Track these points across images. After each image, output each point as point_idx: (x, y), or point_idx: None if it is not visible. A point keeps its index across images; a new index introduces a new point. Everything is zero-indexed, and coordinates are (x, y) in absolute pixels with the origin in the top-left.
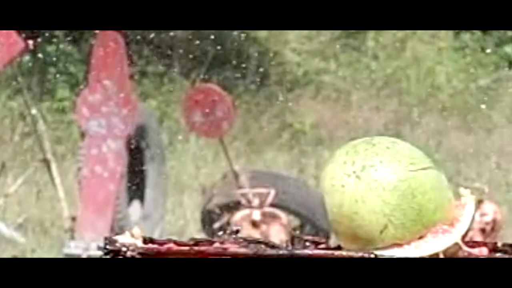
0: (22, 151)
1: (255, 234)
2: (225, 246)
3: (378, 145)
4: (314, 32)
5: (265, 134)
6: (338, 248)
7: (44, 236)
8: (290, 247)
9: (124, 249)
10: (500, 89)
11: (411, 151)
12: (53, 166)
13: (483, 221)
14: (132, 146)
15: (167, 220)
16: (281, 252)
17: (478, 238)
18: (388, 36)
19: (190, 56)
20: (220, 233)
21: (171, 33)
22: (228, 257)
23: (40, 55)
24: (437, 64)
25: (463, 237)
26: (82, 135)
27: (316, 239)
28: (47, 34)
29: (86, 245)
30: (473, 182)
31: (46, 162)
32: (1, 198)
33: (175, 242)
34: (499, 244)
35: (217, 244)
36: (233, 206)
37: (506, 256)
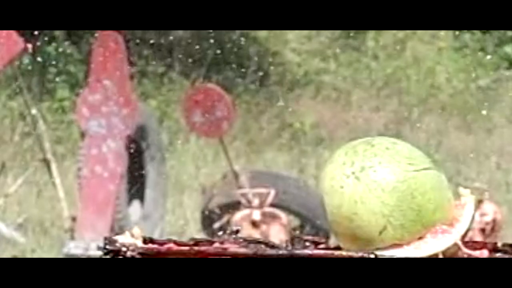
0: (22, 151)
1: (255, 234)
2: (225, 246)
3: (378, 146)
4: (314, 32)
5: (265, 134)
6: (338, 248)
7: (44, 236)
8: (290, 247)
9: (124, 249)
10: (500, 89)
11: (411, 152)
12: (53, 166)
13: (483, 221)
14: (132, 146)
15: (167, 220)
16: (281, 252)
17: (478, 238)
18: (388, 36)
19: (190, 56)
20: (220, 233)
21: (171, 33)
22: (228, 257)
23: (40, 55)
24: (437, 64)
25: (463, 237)
26: (82, 135)
27: (316, 239)
28: (47, 34)
29: (86, 245)
30: (473, 182)
31: (46, 162)
32: (1, 198)
33: (175, 242)
34: (499, 244)
35: (217, 244)
36: (233, 206)
37: (506, 256)
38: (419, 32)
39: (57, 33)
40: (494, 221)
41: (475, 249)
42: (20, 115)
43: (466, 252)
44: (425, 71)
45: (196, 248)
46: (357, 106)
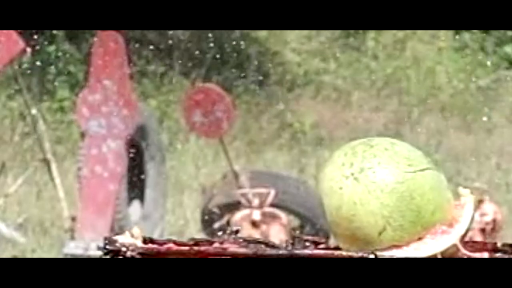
0: (22, 151)
1: (255, 234)
2: (225, 246)
3: (377, 146)
4: (314, 32)
5: (265, 134)
6: (338, 248)
7: (44, 236)
8: (290, 247)
9: (124, 249)
10: (500, 89)
11: (410, 152)
12: (53, 166)
13: (483, 221)
14: (132, 146)
15: (167, 220)
16: (281, 252)
17: (478, 238)
18: (388, 36)
19: (190, 56)
20: (220, 233)
21: (171, 33)
22: (228, 257)
23: (40, 55)
24: (437, 64)
25: (462, 237)
26: (82, 135)
27: (316, 239)
28: (47, 34)
29: (86, 245)
30: (473, 182)
31: (46, 162)
32: (1, 198)
33: (175, 242)
34: (499, 244)
35: (217, 244)
36: (233, 206)
37: (506, 256)
38: (419, 32)
39: (57, 33)
40: (494, 221)
41: (475, 249)
42: (20, 115)
43: (465, 253)
44: (425, 71)
45: (196, 248)
46: (357, 106)
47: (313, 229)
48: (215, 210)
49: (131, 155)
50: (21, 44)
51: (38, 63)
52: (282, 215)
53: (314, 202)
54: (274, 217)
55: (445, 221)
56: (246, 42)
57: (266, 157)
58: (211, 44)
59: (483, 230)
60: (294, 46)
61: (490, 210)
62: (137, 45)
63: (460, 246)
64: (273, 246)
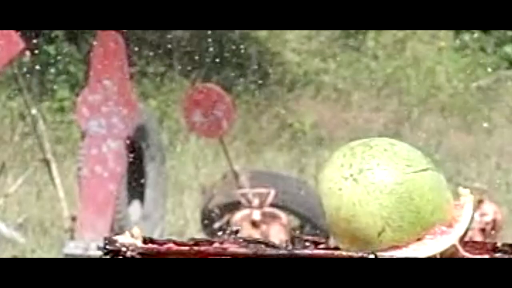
0: (22, 151)
1: (255, 234)
2: (225, 246)
3: (376, 147)
4: (314, 32)
5: (265, 134)
6: (338, 248)
7: (44, 236)
8: (290, 247)
9: (124, 249)
10: (500, 89)
11: (409, 153)
12: (53, 166)
13: (483, 221)
14: (132, 146)
15: (167, 220)
16: (281, 252)
17: (478, 238)
18: (388, 36)
19: (190, 56)
20: (220, 233)
21: (171, 33)
22: (228, 257)
23: (40, 55)
24: (437, 64)
25: (462, 238)
26: (82, 135)
27: (316, 239)
28: (47, 34)
29: (86, 245)
30: (473, 182)
31: (46, 162)
32: (1, 198)
33: (175, 242)
34: (499, 244)
35: (217, 244)
36: (233, 206)
37: (506, 256)
38: (419, 32)
39: (57, 33)
40: (494, 221)
41: (475, 249)
42: (20, 115)
43: (464, 255)
44: (425, 71)
45: (196, 248)
46: (357, 106)
47: (313, 229)
48: (215, 210)
49: (131, 155)
50: (21, 44)
51: (38, 63)
52: (282, 215)
53: (314, 202)
54: (274, 217)
55: (445, 222)
56: (246, 42)
57: (266, 157)
58: (211, 44)
59: (483, 230)
60: (294, 46)
61: (490, 210)
62: (137, 45)
63: (459, 247)
64: (273, 246)
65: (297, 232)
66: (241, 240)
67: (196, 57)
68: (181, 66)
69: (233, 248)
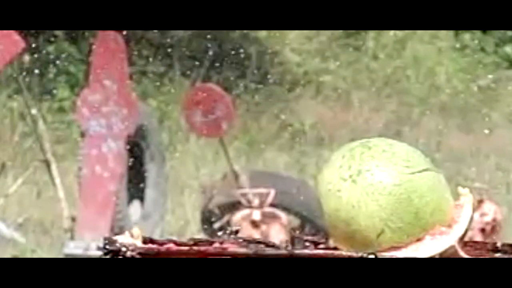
0: (22, 151)
1: (255, 234)
2: (225, 246)
3: (374, 148)
4: (314, 32)
5: (265, 134)
6: (338, 248)
7: (44, 236)
8: (290, 247)
9: (124, 249)
10: (500, 89)
11: (408, 153)
12: (53, 166)
13: (483, 221)
14: (132, 146)
15: (167, 220)
16: (281, 252)
17: (478, 238)
18: (388, 36)
19: (190, 56)
20: (220, 233)
21: (171, 33)
22: (228, 257)
23: (40, 55)
24: (437, 64)
25: (461, 238)
26: (82, 135)
27: (316, 239)
28: (47, 34)
29: (86, 245)
30: (473, 182)
31: (46, 162)
32: (1, 198)
33: (175, 242)
34: (499, 244)
35: (217, 244)
36: (233, 206)
37: (506, 256)
38: (419, 32)
39: (57, 33)
40: (494, 221)
41: (475, 249)
42: (20, 115)
43: (462, 255)
44: (425, 71)
45: (196, 248)
46: (357, 106)
47: (313, 229)
48: (215, 210)
49: (131, 155)
50: (21, 44)
51: (38, 63)
52: (282, 215)
53: (314, 202)
54: (274, 217)
55: (444, 222)
56: (246, 42)
57: (266, 157)
58: (211, 44)
59: (483, 230)
60: (294, 46)
61: (490, 210)
62: (137, 45)
63: (458, 248)
64: (273, 246)
65: (297, 232)
66: (241, 240)
67: (196, 57)
68: (181, 66)
69: (233, 248)
